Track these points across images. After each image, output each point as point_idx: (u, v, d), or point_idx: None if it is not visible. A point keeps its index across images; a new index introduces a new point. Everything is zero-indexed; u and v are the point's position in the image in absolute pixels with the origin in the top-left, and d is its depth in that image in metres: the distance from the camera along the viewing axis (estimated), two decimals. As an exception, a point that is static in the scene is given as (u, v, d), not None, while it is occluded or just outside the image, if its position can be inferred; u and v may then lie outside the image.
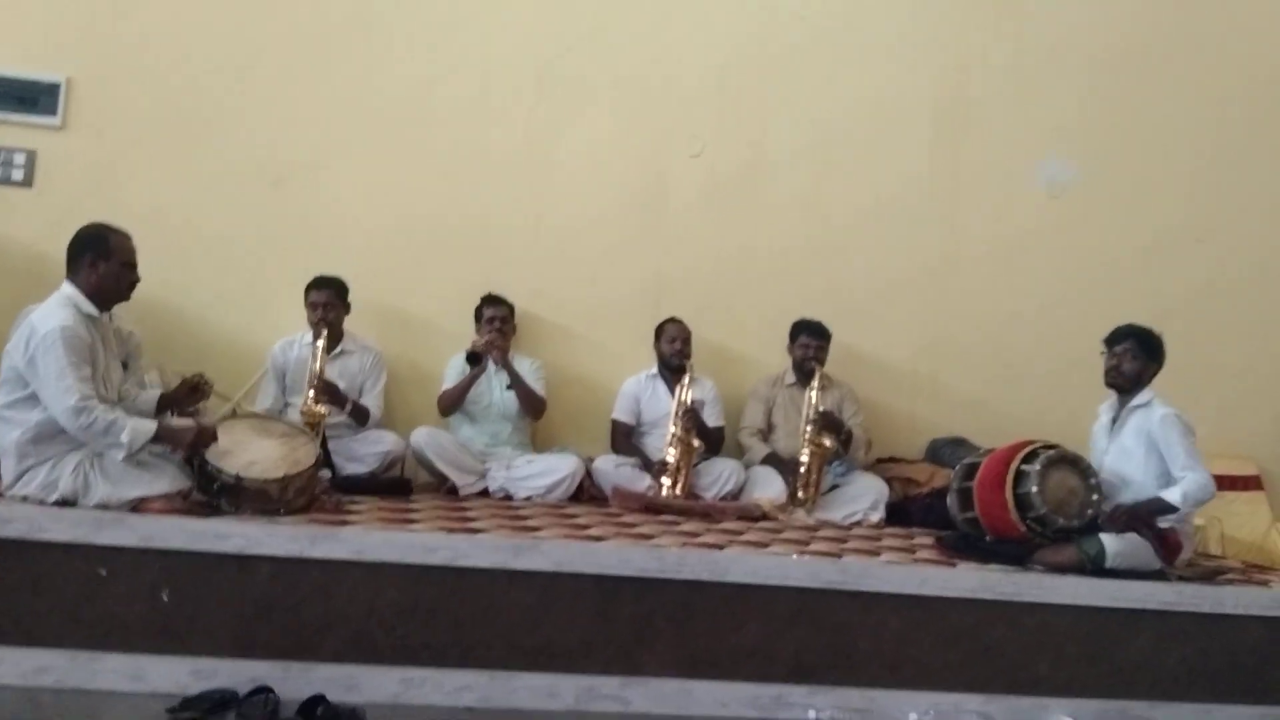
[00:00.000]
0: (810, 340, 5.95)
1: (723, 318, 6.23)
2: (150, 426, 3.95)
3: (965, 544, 4.64)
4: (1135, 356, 4.71)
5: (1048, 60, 6.52)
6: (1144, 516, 4.47)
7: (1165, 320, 5.72)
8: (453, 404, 5.75)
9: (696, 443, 5.60)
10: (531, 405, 5.81)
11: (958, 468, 4.90)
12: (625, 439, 5.91)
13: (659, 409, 5.87)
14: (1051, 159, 6.50)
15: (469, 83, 6.18)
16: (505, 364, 5.73)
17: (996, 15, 6.53)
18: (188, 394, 4.33)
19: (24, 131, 5.82)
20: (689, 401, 5.68)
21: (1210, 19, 6.58)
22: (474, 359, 5.65)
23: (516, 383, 5.74)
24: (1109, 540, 4.38)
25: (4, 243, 5.72)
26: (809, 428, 5.66)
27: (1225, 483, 5.53)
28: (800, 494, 5.57)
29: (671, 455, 5.56)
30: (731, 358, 6.25)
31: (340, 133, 6.07)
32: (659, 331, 5.96)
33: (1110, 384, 4.80)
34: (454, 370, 5.81)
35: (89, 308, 4.03)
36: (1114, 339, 4.77)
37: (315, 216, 6.01)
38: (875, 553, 4.57)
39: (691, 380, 5.76)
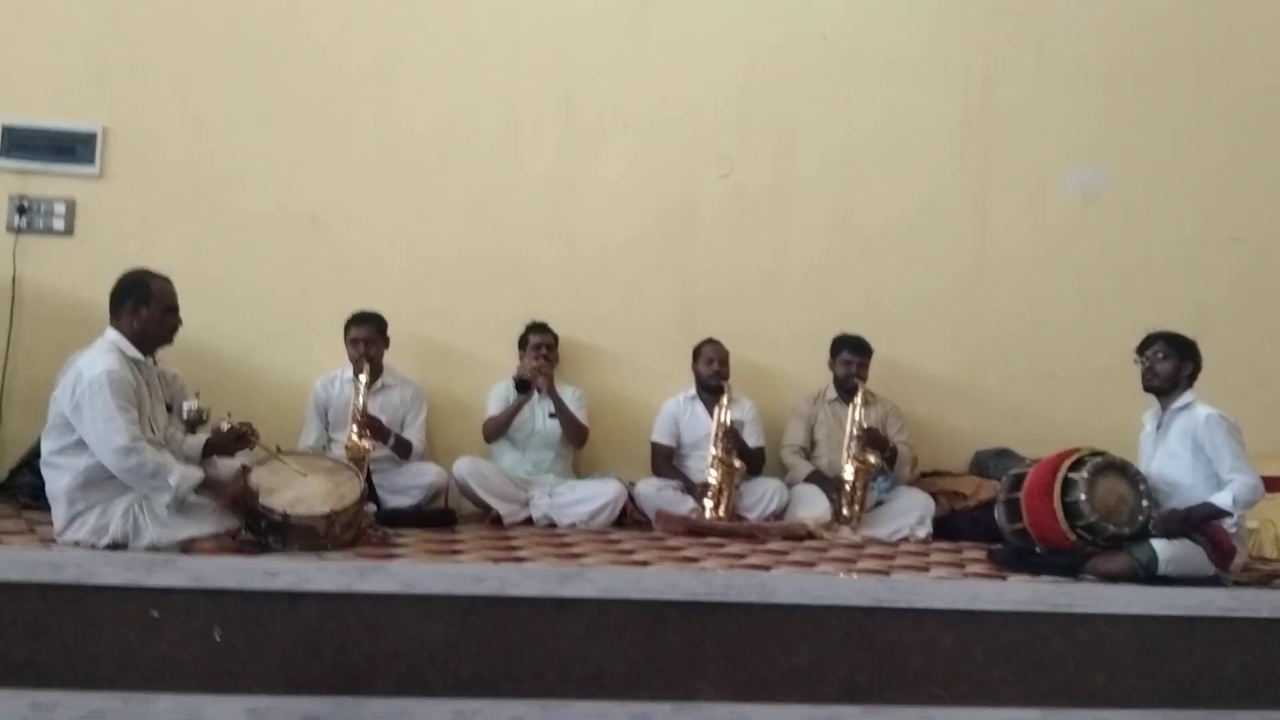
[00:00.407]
0: (852, 357, 5.90)
1: (758, 336, 6.20)
2: (197, 474, 3.98)
3: (1015, 556, 4.58)
4: (1166, 356, 4.67)
5: (1071, 70, 6.48)
6: (1195, 522, 4.39)
7: (1206, 320, 5.70)
8: (498, 430, 5.75)
9: (738, 463, 5.56)
10: (575, 433, 5.80)
11: (1004, 479, 4.84)
12: (666, 461, 5.88)
13: (699, 430, 5.84)
14: (1083, 166, 6.46)
15: (496, 118, 6.21)
16: (551, 391, 5.72)
17: (1017, 28, 6.50)
18: (233, 441, 4.34)
19: (64, 181, 5.89)
20: (728, 422, 5.64)
21: (1227, 21, 6.53)
22: (523, 386, 5.68)
23: (561, 411, 5.74)
24: (1161, 547, 4.30)
25: (47, 290, 5.79)
26: (853, 444, 5.61)
27: (1276, 484, 5.43)
28: (845, 511, 5.52)
29: (713, 477, 5.53)
30: (769, 376, 6.22)
31: (372, 173, 6.11)
32: (696, 353, 5.94)
33: (1148, 388, 4.74)
34: (497, 397, 5.82)
35: (133, 352, 4.06)
36: (1143, 345, 4.75)
37: (351, 256, 6.05)
38: (924, 568, 4.52)
39: (730, 400, 5.72)
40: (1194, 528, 4.38)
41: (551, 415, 5.75)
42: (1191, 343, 4.72)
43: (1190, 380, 4.69)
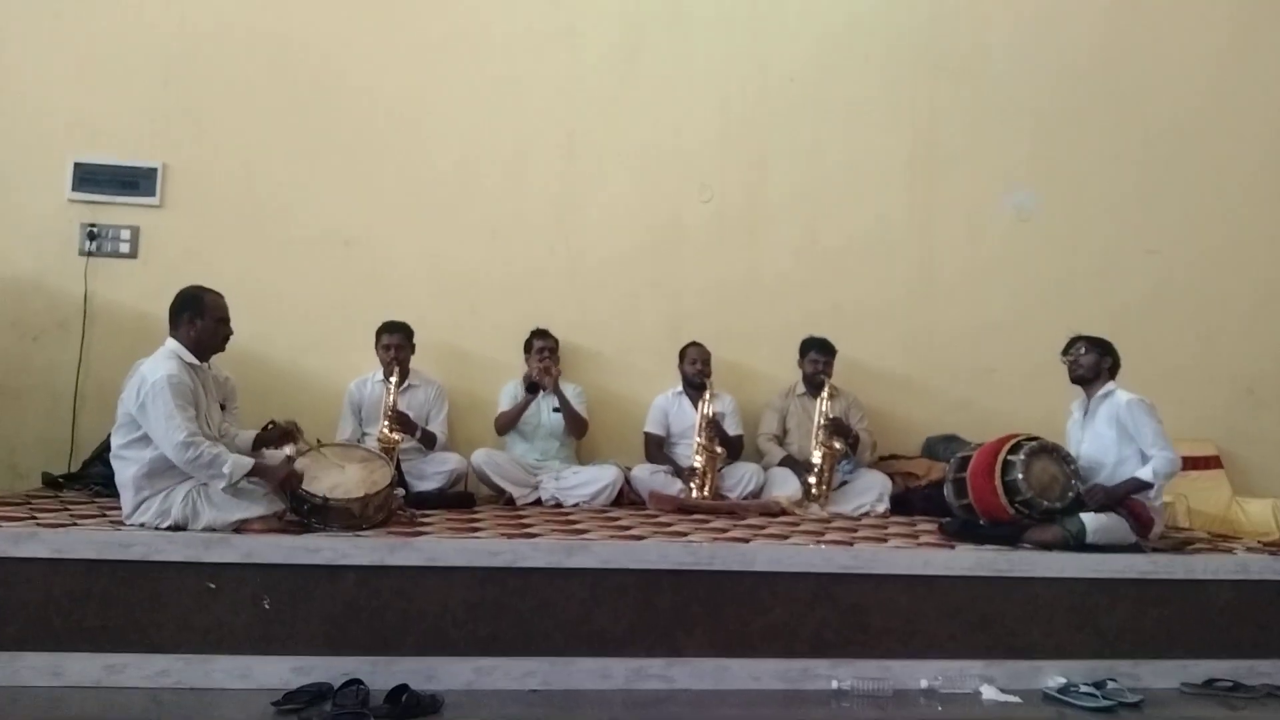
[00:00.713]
0: (819, 356, 5.90)
1: (737, 339, 6.18)
2: (248, 461, 3.96)
3: (962, 528, 4.56)
4: (1088, 351, 4.70)
5: (1004, 107, 6.49)
6: (1121, 496, 4.40)
7: (1123, 323, 5.70)
8: (508, 425, 5.73)
9: (719, 450, 5.54)
10: (576, 426, 5.79)
11: (952, 461, 4.83)
12: (657, 449, 5.86)
13: (685, 422, 5.82)
14: (1017, 189, 6.46)
15: (507, 153, 6.20)
16: (555, 389, 5.72)
17: (958, 72, 6.51)
18: (280, 438, 4.32)
19: (129, 210, 5.87)
20: (711, 414, 5.63)
21: (1138, 64, 6.56)
22: (532, 387, 5.68)
23: (564, 406, 5.72)
24: (1089, 519, 4.31)
25: (115, 306, 5.76)
26: (820, 432, 5.60)
27: (1189, 463, 5.44)
28: (814, 491, 5.51)
29: (698, 462, 5.51)
30: (746, 373, 6.20)
31: (400, 200, 6.09)
32: (682, 354, 5.92)
33: (1075, 379, 4.76)
34: (508, 395, 5.81)
35: (190, 358, 4.04)
36: (1068, 346, 4.79)
37: (381, 273, 6.03)
38: (883, 540, 4.50)
39: (712, 395, 5.70)
40: (1119, 501, 4.39)
41: (555, 410, 5.74)
42: (1108, 341, 4.74)
43: (1111, 373, 4.71)
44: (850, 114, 6.42)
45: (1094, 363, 4.68)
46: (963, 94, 6.51)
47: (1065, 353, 4.77)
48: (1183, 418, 5.55)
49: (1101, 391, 4.67)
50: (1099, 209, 6.48)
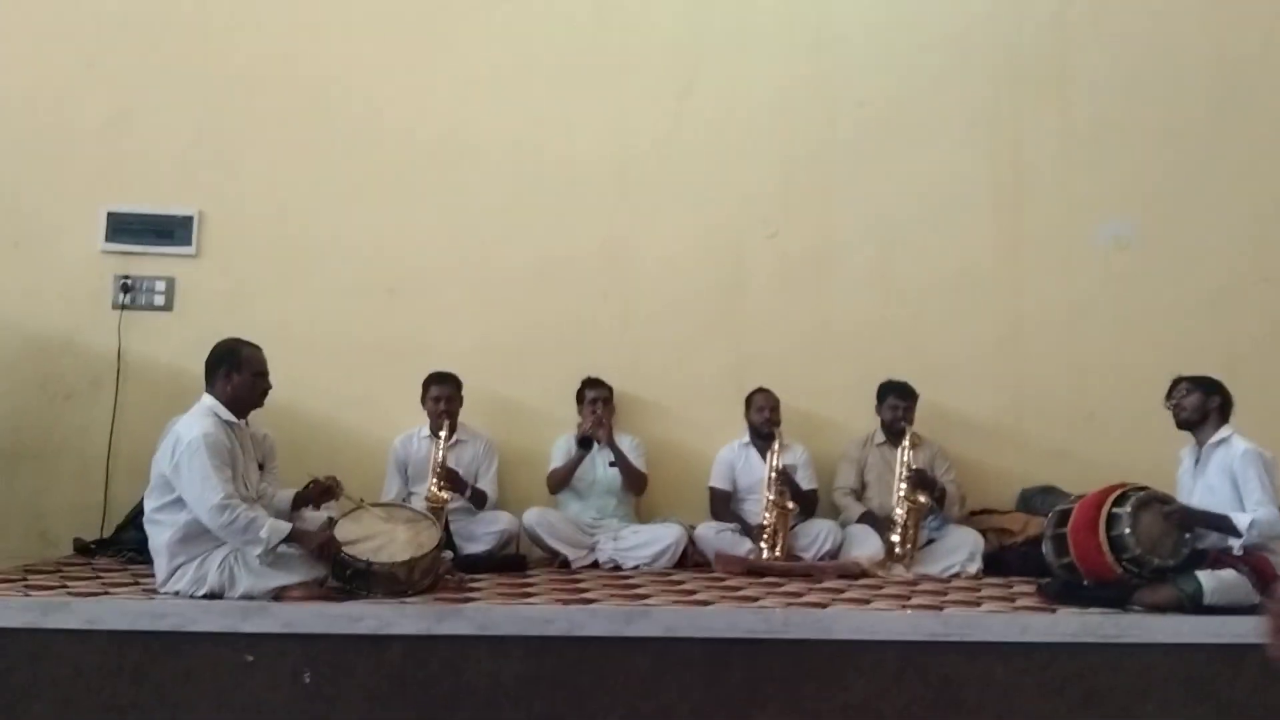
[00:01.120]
0: (898, 401, 5.83)
1: (807, 388, 6.13)
2: (285, 526, 4.02)
3: (1064, 590, 4.46)
4: (1190, 392, 4.63)
5: (1094, 128, 6.42)
6: (1203, 520, 4.30)
7: (1238, 361, 5.56)
8: (560, 483, 5.74)
9: (791, 505, 5.49)
10: (634, 481, 5.78)
11: (1050, 515, 4.73)
12: (724, 505, 5.83)
13: (753, 475, 5.78)
14: (1113, 217, 6.38)
15: (556, 192, 6.27)
16: (609, 442, 5.72)
17: (1041, 91, 6.46)
18: (320, 494, 4.38)
19: (164, 261, 6.04)
20: (781, 466, 5.58)
21: (1242, 74, 6.45)
22: (585, 443, 5.69)
23: (619, 460, 5.73)
24: (1205, 577, 4.19)
25: (149, 362, 5.91)
26: (903, 485, 5.53)
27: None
28: (898, 550, 5.42)
29: (768, 519, 5.46)
30: (818, 424, 6.15)
31: (443, 245, 6.19)
32: (748, 402, 5.90)
33: (1180, 424, 4.69)
34: (560, 450, 5.82)
35: (227, 415, 4.12)
36: (1170, 390, 4.72)
37: (425, 322, 6.11)
38: (976, 603, 4.42)
39: (782, 446, 5.66)
40: (1198, 523, 4.33)
41: (611, 464, 5.74)
42: (1214, 379, 4.65)
43: (1221, 414, 4.60)
44: (926, 140, 6.40)
45: (1198, 404, 4.59)
46: (1050, 115, 6.45)
47: (1169, 397, 4.71)
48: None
49: (1215, 439, 4.56)
50: (1207, 235, 6.35)
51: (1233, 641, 3.97)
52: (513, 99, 6.31)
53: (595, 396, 5.81)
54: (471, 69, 6.32)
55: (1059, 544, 4.53)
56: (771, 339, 6.23)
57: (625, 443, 5.82)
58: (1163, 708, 3.91)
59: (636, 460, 5.80)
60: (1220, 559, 4.32)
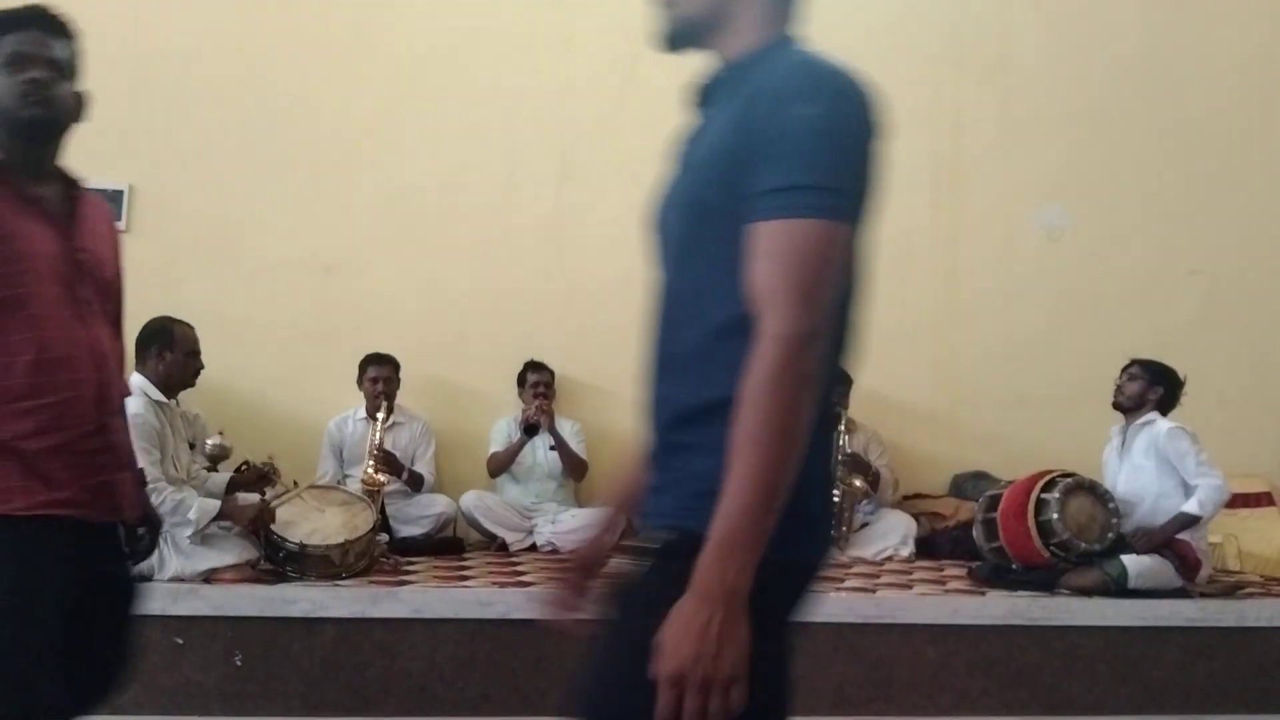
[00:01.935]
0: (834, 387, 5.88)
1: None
2: (215, 504, 3.98)
3: (994, 573, 4.56)
4: (1135, 378, 4.71)
5: (1034, 115, 6.52)
6: (1169, 535, 4.39)
7: (1165, 348, 5.67)
8: (501, 467, 5.73)
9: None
10: (575, 468, 5.79)
11: (981, 500, 4.84)
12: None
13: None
14: (1046, 207, 6.49)
15: (496, 171, 6.23)
16: (551, 428, 5.72)
17: (982, 79, 6.55)
18: (256, 480, 4.34)
19: (92, 237, 5.89)
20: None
21: (1178, 69, 6.57)
22: (531, 429, 5.64)
23: (560, 446, 5.73)
24: (1130, 561, 4.30)
25: (77, 340, 5.77)
26: (839, 469, 5.60)
27: (1239, 500, 5.42)
28: (833, 533, 5.49)
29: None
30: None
31: (381, 222, 6.13)
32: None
33: (1115, 405, 4.77)
34: (500, 434, 5.81)
35: (157, 395, 4.06)
36: (1125, 368, 4.78)
37: (361, 301, 6.05)
38: (908, 586, 4.50)
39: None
40: (1167, 542, 4.38)
41: (551, 448, 5.74)
42: (1166, 370, 4.72)
43: (1159, 405, 4.68)
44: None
45: (1138, 391, 4.68)
46: (989, 99, 6.54)
47: (1121, 373, 4.78)
48: (1232, 451, 5.53)
49: (1141, 420, 4.67)
50: (1139, 224, 6.49)
51: (1156, 624, 4.11)
52: (453, 73, 6.25)
53: (538, 380, 5.79)
54: (411, 42, 6.25)
55: (989, 528, 4.63)
56: (712, 322, 6.25)
57: (566, 428, 5.82)
58: (1088, 687, 4.02)
59: (577, 446, 5.81)
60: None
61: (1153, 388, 4.68)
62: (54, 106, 2.27)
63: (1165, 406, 4.70)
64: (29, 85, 2.18)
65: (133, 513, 2.37)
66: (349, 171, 6.13)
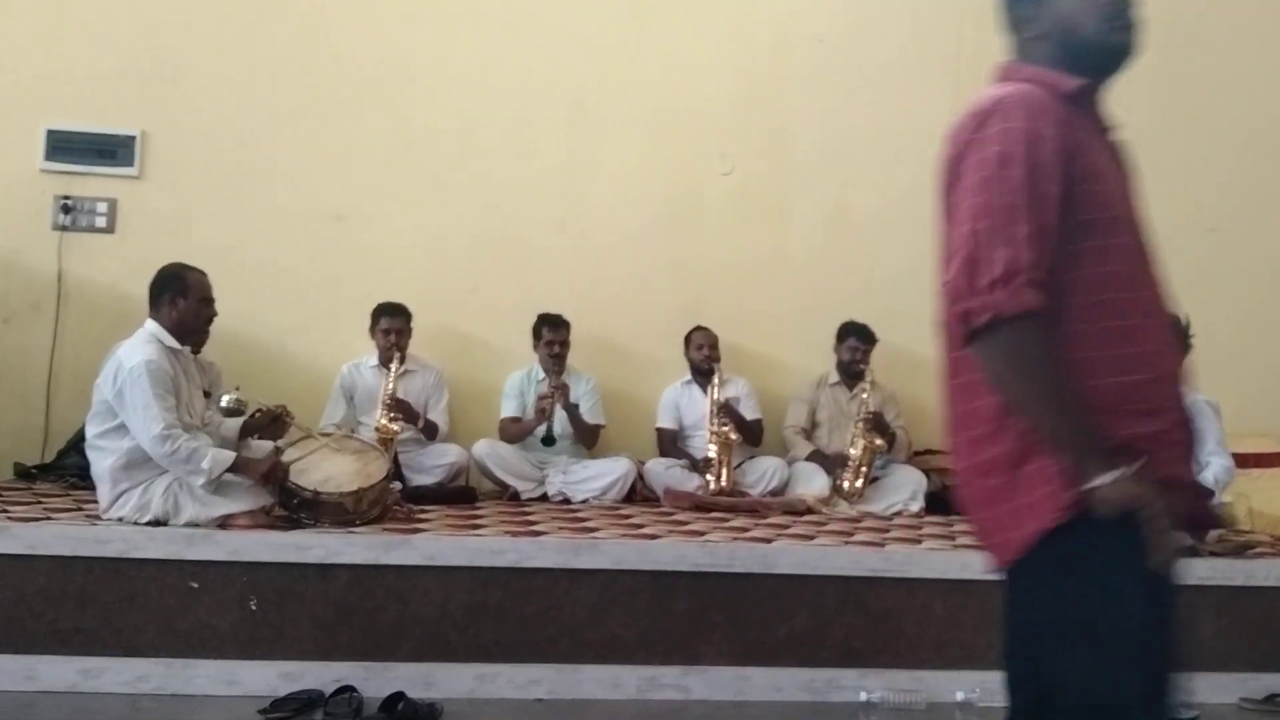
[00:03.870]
0: (858, 344, 5.86)
1: (761, 323, 6.19)
2: (229, 456, 3.99)
3: (1002, 528, 4.56)
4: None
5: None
6: None
7: (1182, 308, 5.64)
8: (515, 438, 5.67)
9: (734, 436, 5.56)
10: (588, 437, 5.77)
11: (992, 456, 4.81)
12: (671, 444, 5.88)
13: (697, 412, 5.84)
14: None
15: (506, 118, 6.20)
16: (565, 404, 5.62)
17: (1000, 26, 6.43)
18: (269, 424, 4.36)
19: (105, 182, 5.90)
20: (722, 399, 5.64)
21: (1205, 21, 6.47)
22: (549, 440, 5.51)
23: (575, 420, 5.66)
24: (1140, 518, 4.30)
25: (90, 285, 5.81)
26: (860, 424, 5.59)
27: (1250, 460, 5.42)
28: (849, 487, 5.51)
29: (712, 451, 5.53)
30: (772, 363, 6.20)
31: (391, 170, 6.10)
32: (687, 340, 5.93)
33: None
34: (513, 389, 5.79)
35: (171, 342, 4.08)
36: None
37: (374, 248, 6.04)
38: (917, 541, 4.52)
39: (722, 380, 5.73)
40: None
41: (547, 442, 5.56)
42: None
43: None
44: (883, 73, 6.36)
45: None
46: (1006, 45, 6.43)
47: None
48: (1241, 410, 5.51)
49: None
50: (1161, 182, 6.38)
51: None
52: (463, 21, 6.19)
53: (553, 340, 5.70)
54: (423, -11, 6.20)
55: (1000, 484, 4.61)
56: (726, 274, 6.24)
57: (582, 385, 5.80)
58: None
59: (592, 405, 5.79)
60: None
61: None
62: (1137, 34, 1.97)
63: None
64: (1116, 6, 1.94)
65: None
66: (360, 118, 6.10)
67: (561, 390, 5.60)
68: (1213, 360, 5.46)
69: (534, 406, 5.68)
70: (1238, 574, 4.21)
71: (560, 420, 5.65)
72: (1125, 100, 6.31)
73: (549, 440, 5.55)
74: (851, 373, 5.87)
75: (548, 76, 6.23)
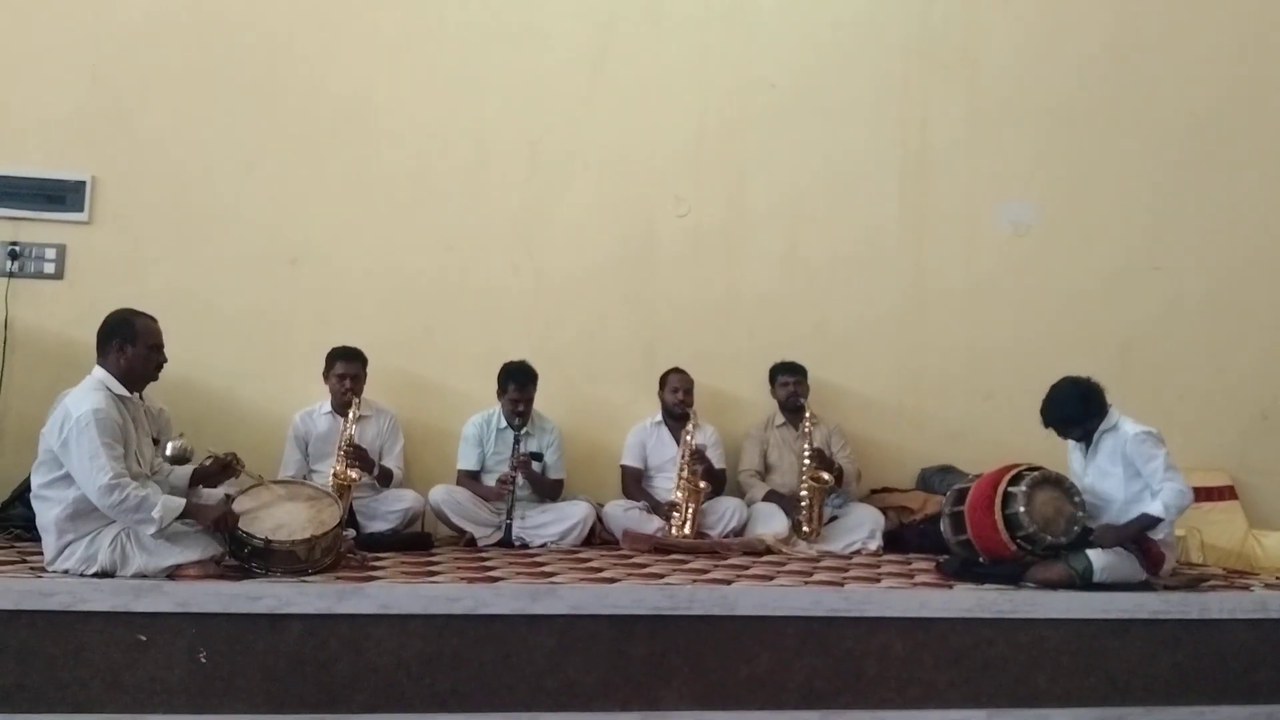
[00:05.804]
0: (789, 378, 5.93)
1: (715, 363, 6.20)
2: (179, 503, 3.90)
3: (961, 566, 4.58)
4: (1074, 423, 4.68)
5: (1001, 110, 6.57)
6: (1131, 534, 4.43)
7: (1130, 344, 5.75)
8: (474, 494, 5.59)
9: (703, 484, 5.54)
10: (550, 493, 5.70)
11: (948, 494, 4.85)
12: (635, 483, 5.86)
13: (664, 454, 5.83)
14: (1013, 202, 6.53)
15: (466, 160, 6.21)
16: (529, 476, 5.55)
17: (950, 75, 6.58)
18: (219, 471, 4.28)
19: (54, 228, 5.82)
20: (695, 446, 5.63)
21: (1144, 66, 6.64)
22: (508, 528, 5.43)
23: (535, 481, 5.60)
24: (1095, 555, 4.34)
25: (38, 332, 5.70)
26: (808, 462, 5.61)
27: (1201, 494, 5.49)
28: (806, 528, 5.51)
29: (679, 496, 5.51)
30: (726, 401, 6.22)
31: (347, 213, 6.08)
32: (663, 381, 5.93)
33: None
34: (472, 435, 5.74)
35: (120, 389, 4.00)
36: (1047, 424, 4.73)
37: (327, 291, 6.01)
38: (876, 579, 4.51)
39: (695, 426, 5.71)
40: (1129, 540, 4.42)
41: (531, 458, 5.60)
42: (1083, 393, 4.65)
43: (1105, 412, 4.66)
44: (836, 120, 6.48)
45: (1084, 430, 4.68)
46: (956, 97, 6.58)
47: (1045, 425, 4.73)
48: (1194, 446, 5.61)
49: (1104, 426, 4.67)
50: (1104, 222, 6.55)
51: (1120, 616, 4.14)
52: (422, 65, 6.22)
53: (518, 399, 5.59)
54: (380, 32, 6.20)
55: (956, 522, 4.65)
56: (681, 314, 6.28)
57: (545, 437, 5.75)
58: (1054, 679, 4.05)
59: (555, 458, 5.76)
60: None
61: (1090, 419, 4.64)
62: None
63: (1101, 410, 4.65)
64: None
65: None
66: (315, 162, 6.08)
67: (523, 466, 5.53)
68: (1162, 396, 5.59)
69: (495, 476, 5.59)
70: (1193, 607, 4.24)
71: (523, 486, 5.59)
72: (1071, 140, 6.55)
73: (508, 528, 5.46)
74: (791, 407, 5.90)
75: (505, 120, 6.25)
